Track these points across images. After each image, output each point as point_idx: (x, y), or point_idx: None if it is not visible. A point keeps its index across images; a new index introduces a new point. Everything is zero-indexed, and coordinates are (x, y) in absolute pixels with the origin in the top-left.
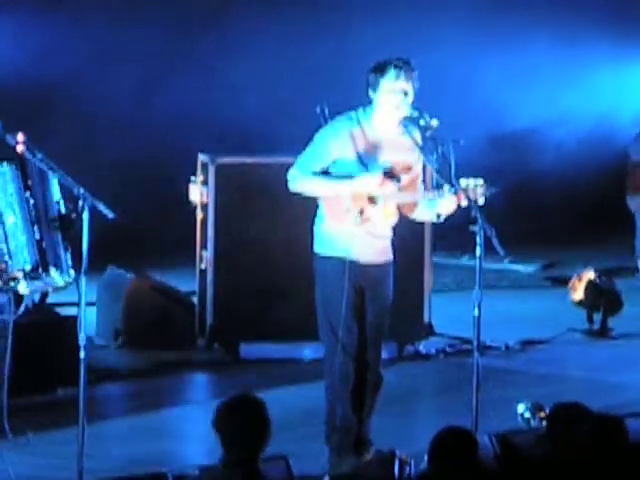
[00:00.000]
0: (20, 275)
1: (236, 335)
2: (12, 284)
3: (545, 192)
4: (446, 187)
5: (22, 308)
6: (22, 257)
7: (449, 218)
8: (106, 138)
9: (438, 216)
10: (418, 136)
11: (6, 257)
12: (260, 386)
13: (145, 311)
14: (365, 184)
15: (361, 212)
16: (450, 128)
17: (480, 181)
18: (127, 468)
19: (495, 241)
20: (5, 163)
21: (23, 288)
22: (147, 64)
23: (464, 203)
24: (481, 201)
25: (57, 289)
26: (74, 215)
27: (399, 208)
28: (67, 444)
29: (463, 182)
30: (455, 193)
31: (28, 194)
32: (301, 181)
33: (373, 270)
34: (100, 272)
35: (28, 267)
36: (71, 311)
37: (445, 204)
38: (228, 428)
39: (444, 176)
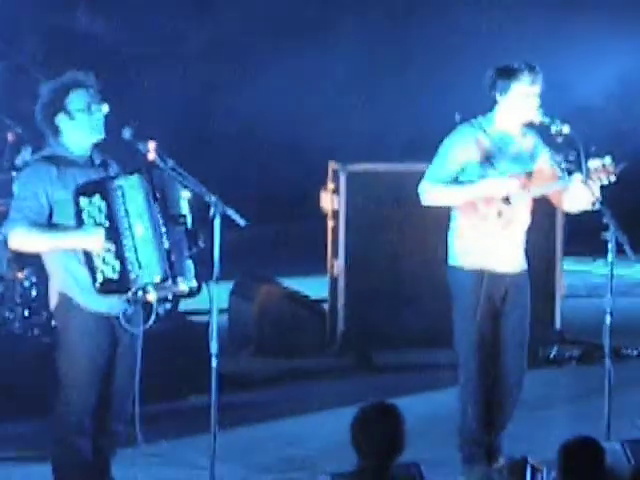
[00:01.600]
0: (150, 287)
1: (368, 342)
2: (140, 295)
3: None
4: (577, 175)
5: (152, 318)
6: (152, 268)
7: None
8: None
9: (586, 203)
10: (550, 139)
11: (137, 268)
12: (393, 393)
13: (276, 318)
14: (501, 186)
15: (499, 214)
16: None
17: (607, 159)
18: (260, 476)
19: (627, 248)
20: (136, 174)
21: (152, 298)
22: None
23: (598, 185)
24: (613, 178)
25: (183, 296)
26: (200, 232)
27: (551, 200)
28: (198, 452)
29: (592, 164)
30: (588, 176)
31: (156, 205)
32: (433, 193)
33: (511, 279)
34: (231, 279)
35: (158, 278)
36: (203, 318)
37: (579, 191)
38: (363, 436)
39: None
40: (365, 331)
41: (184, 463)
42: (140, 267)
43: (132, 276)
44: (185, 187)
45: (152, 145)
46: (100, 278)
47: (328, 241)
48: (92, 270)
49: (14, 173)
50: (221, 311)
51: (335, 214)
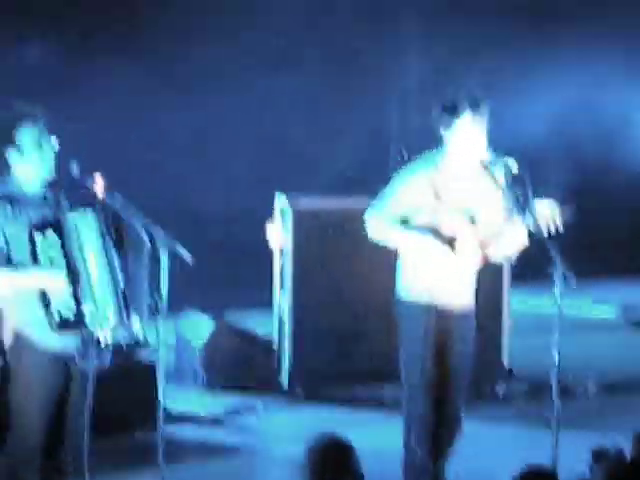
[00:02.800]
0: (105, 325)
1: (316, 377)
2: (95, 334)
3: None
4: (518, 219)
5: (108, 357)
6: (106, 307)
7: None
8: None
9: (517, 246)
10: (500, 177)
11: (91, 307)
12: (340, 426)
13: (225, 353)
14: (439, 247)
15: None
16: None
17: (554, 202)
18: None
19: (573, 282)
20: (86, 210)
21: (107, 334)
22: None
23: (545, 229)
24: (560, 223)
25: (138, 332)
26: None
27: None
28: None
29: (539, 206)
30: (534, 219)
31: (109, 239)
32: (377, 229)
33: (458, 315)
34: (177, 313)
35: (112, 317)
36: (151, 354)
37: (518, 233)
38: (316, 466)
39: (518, 209)
40: (313, 366)
41: None
42: (95, 305)
43: (87, 314)
44: (131, 223)
45: (99, 179)
46: (56, 318)
47: (274, 277)
48: (47, 309)
49: None
50: (168, 347)
51: (282, 250)
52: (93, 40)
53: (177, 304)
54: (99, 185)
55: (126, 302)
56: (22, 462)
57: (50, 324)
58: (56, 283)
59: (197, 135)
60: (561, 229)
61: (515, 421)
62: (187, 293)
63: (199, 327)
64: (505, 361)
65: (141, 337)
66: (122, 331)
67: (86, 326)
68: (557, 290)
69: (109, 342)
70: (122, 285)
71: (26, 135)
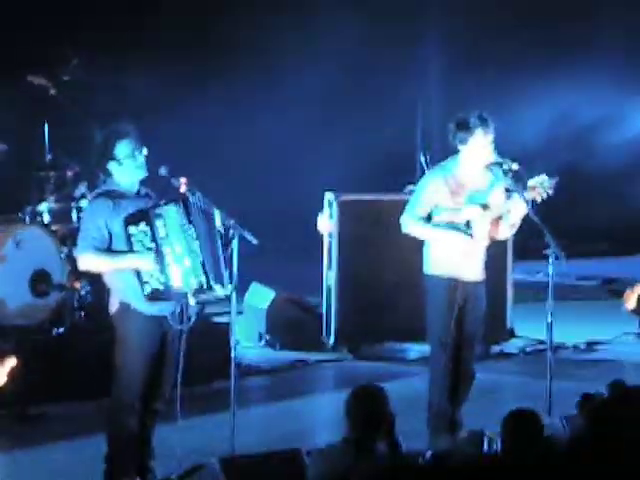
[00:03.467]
0: (189, 294)
1: (356, 338)
2: (182, 301)
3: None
4: (516, 195)
5: (193, 319)
6: (190, 278)
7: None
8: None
9: (513, 226)
10: (501, 176)
11: (178, 280)
12: (377, 379)
13: (283, 318)
14: (461, 240)
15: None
16: None
17: (543, 176)
18: (271, 445)
19: (563, 262)
20: (171, 204)
21: (192, 302)
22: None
23: (539, 198)
24: (550, 192)
25: (220, 300)
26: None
27: (491, 234)
28: (222, 425)
29: (530, 182)
30: (524, 198)
31: (192, 227)
32: (410, 227)
33: (473, 286)
34: (247, 287)
35: (195, 286)
36: (225, 318)
37: (519, 206)
38: (354, 410)
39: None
40: (355, 329)
41: (210, 434)
42: (180, 278)
43: (174, 285)
44: (209, 213)
45: (183, 180)
46: (148, 289)
47: (324, 257)
48: (142, 283)
49: (72, 203)
50: (238, 312)
51: (330, 235)
52: (177, 74)
53: (246, 278)
54: (183, 184)
55: (207, 274)
56: (124, 408)
57: (143, 295)
58: (145, 264)
59: (259, 145)
60: (551, 193)
61: (516, 373)
62: (254, 268)
63: (263, 297)
64: (508, 323)
65: (219, 302)
66: (204, 297)
67: (176, 294)
68: (550, 266)
69: (193, 306)
70: (202, 260)
71: (123, 149)
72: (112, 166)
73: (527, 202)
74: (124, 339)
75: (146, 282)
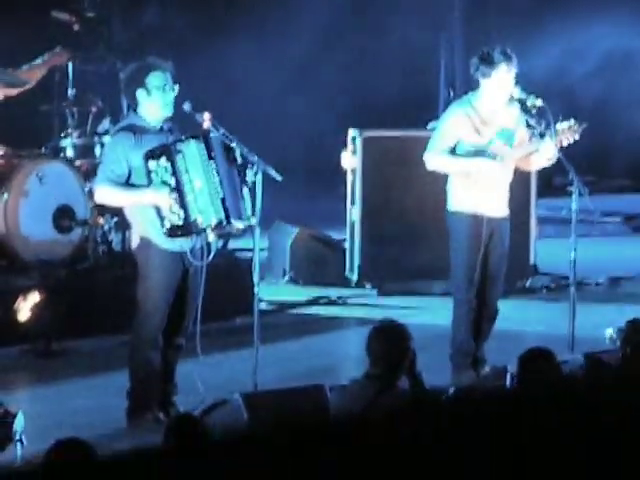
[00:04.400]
0: (209, 229)
1: (380, 274)
2: (202, 235)
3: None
4: (547, 133)
5: (212, 254)
6: (209, 214)
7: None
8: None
9: (547, 160)
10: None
11: (197, 215)
12: (400, 315)
13: (306, 255)
14: (488, 166)
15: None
16: None
17: (572, 121)
18: (294, 381)
19: (587, 199)
20: (192, 140)
21: (212, 237)
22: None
23: (565, 143)
24: (577, 137)
25: (239, 232)
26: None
27: (519, 164)
28: (245, 361)
29: (559, 126)
30: (556, 135)
31: (212, 163)
32: (434, 162)
33: (497, 222)
34: (270, 223)
35: (215, 221)
36: (247, 255)
37: (548, 149)
38: (376, 346)
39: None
40: (378, 265)
41: (233, 370)
42: (200, 213)
43: (193, 221)
44: (232, 148)
45: (207, 116)
46: (168, 224)
47: (347, 192)
48: (161, 219)
49: (96, 138)
50: (261, 249)
51: (353, 171)
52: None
53: (270, 214)
54: (207, 120)
55: (226, 210)
56: (146, 343)
57: (163, 231)
58: (162, 199)
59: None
60: (577, 138)
61: (539, 308)
62: (277, 205)
63: (286, 233)
64: (532, 259)
65: (240, 235)
66: (225, 232)
67: (193, 231)
68: (574, 202)
69: (214, 242)
70: (222, 196)
71: (154, 79)
72: (140, 94)
73: (556, 145)
74: (145, 274)
75: (165, 217)
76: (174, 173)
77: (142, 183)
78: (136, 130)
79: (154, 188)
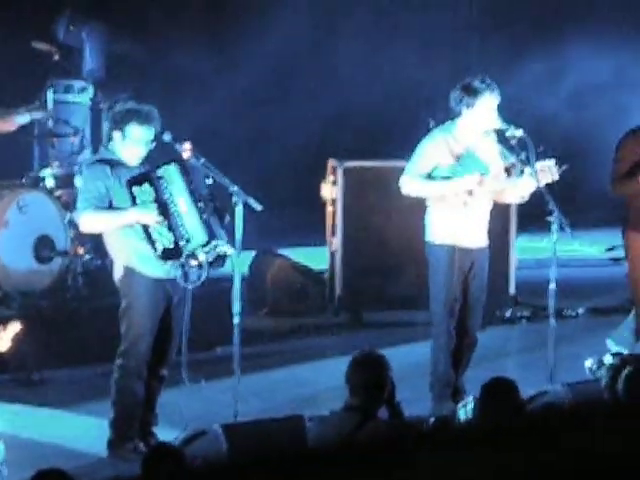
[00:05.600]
0: (199, 249)
1: (359, 304)
2: (192, 256)
3: None
4: (527, 170)
5: (203, 277)
6: (197, 235)
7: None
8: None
9: (522, 197)
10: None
11: (186, 237)
12: (380, 345)
13: (286, 285)
14: (465, 183)
15: (464, 203)
16: None
17: (552, 161)
18: (275, 411)
19: (568, 229)
20: (172, 164)
21: (203, 258)
22: None
23: (543, 183)
24: (556, 177)
25: (227, 256)
26: (224, 212)
27: (492, 197)
28: (225, 392)
29: (539, 165)
30: (535, 173)
31: (192, 187)
32: (410, 186)
33: (476, 253)
34: (250, 251)
35: (203, 242)
36: (227, 284)
37: (526, 186)
38: (356, 376)
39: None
40: (357, 295)
41: (213, 401)
42: (188, 235)
43: (183, 243)
44: (214, 179)
45: (188, 146)
46: (160, 248)
47: (327, 223)
48: (152, 243)
49: (76, 169)
50: (242, 279)
51: (333, 201)
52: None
53: (249, 243)
54: (187, 150)
55: (211, 231)
56: (131, 373)
57: (155, 255)
58: (149, 217)
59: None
60: (556, 179)
61: (519, 339)
62: (258, 235)
63: (266, 262)
64: (511, 290)
65: (225, 259)
66: (213, 253)
67: (184, 252)
68: (554, 234)
69: (203, 263)
70: (206, 217)
71: (135, 132)
72: (116, 135)
73: (537, 179)
74: (129, 303)
75: (155, 241)
76: (158, 198)
77: (126, 206)
78: (111, 163)
79: (140, 207)
